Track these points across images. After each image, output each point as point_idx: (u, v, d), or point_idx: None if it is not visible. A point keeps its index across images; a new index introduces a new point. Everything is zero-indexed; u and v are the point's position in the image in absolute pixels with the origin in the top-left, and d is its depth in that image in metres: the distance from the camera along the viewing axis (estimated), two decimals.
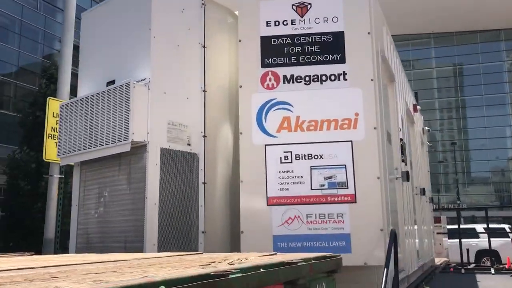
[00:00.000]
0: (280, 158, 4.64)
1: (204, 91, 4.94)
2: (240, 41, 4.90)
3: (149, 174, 4.34)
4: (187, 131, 4.72)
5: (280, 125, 4.70)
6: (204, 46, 5.02)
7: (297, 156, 4.63)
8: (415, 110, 8.94)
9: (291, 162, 4.62)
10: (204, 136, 4.86)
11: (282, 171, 4.61)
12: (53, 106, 6.92)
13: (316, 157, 4.61)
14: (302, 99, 4.72)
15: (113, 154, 4.54)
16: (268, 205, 4.58)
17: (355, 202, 4.50)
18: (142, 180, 4.38)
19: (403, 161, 6.44)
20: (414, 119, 8.70)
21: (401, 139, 6.56)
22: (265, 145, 4.67)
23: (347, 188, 4.52)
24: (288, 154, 4.64)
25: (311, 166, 4.59)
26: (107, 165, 4.73)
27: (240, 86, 4.81)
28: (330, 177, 4.57)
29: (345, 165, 4.56)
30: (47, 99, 6.98)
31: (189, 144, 4.72)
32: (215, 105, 5.04)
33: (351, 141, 4.60)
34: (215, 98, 5.05)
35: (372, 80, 4.69)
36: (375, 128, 4.61)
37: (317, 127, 4.66)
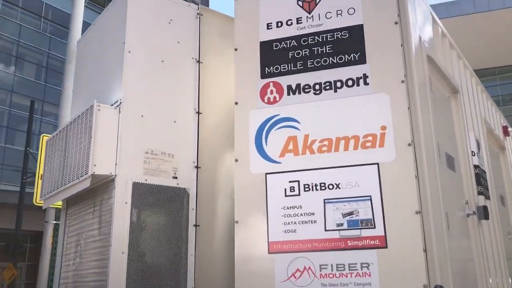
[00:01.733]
0: (285, 190, 3.56)
1: (198, 113, 4.08)
2: (236, 50, 4.01)
3: (116, 215, 3.49)
4: (172, 162, 3.85)
5: (284, 148, 3.66)
6: (199, 61, 4.21)
7: (306, 186, 3.53)
8: (506, 133, 7.26)
9: (299, 194, 3.53)
10: (197, 167, 3.95)
11: (288, 207, 3.53)
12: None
13: (331, 187, 3.47)
14: (312, 113, 3.66)
15: (89, 193, 3.83)
16: (269, 253, 3.49)
17: (386, 247, 3.26)
18: (110, 223, 3.55)
19: (480, 193, 4.97)
20: (504, 144, 7.04)
21: (477, 166, 5.10)
22: (266, 173, 3.64)
23: (374, 227, 3.31)
24: (295, 185, 3.55)
25: (324, 200, 3.46)
26: (85, 206, 3.99)
27: (236, 103, 3.88)
28: (350, 214, 3.39)
29: (370, 196, 3.37)
30: (41, 136, 6.58)
31: (175, 177, 3.83)
32: (213, 129, 4.14)
33: (378, 163, 3.42)
34: (213, 121, 4.16)
35: (403, 82, 3.52)
36: (409, 145, 3.39)
37: (332, 148, 3.55)
